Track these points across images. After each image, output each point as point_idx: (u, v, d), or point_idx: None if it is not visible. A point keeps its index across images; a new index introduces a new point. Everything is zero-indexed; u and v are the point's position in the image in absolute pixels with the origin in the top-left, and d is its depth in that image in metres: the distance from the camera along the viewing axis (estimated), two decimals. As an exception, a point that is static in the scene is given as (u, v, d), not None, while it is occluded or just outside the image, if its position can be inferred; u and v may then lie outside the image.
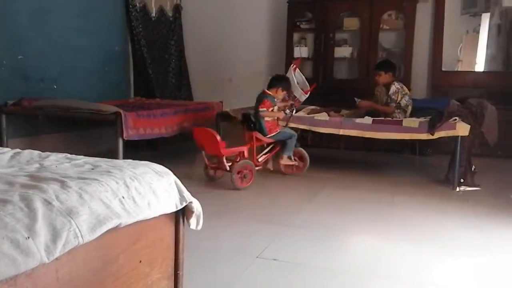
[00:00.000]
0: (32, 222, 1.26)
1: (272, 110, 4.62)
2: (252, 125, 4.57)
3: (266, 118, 4.60)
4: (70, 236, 1.31)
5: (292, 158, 4.76)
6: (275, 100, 4.63)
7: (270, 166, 4.86)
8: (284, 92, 4.75)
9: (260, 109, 4.58)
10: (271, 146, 4.79)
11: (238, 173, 4.29)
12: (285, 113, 4.73)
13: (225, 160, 4.34)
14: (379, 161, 5.55)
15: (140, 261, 1.67)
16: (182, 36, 7.14)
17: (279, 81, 4.79)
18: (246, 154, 4.51)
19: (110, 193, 1.55)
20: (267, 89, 4.73)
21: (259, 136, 4.61)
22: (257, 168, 4.55)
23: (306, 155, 4.84)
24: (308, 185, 4.49)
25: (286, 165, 4.81)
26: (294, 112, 4.83)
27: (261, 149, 4.80)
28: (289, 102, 4.86)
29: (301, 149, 4.85)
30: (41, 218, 1.29)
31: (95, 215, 1.42)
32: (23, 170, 1.74)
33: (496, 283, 2.45)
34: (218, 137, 4.32)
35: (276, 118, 4.69)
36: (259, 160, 4.68)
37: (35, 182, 1.52)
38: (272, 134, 4.65)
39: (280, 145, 4.73)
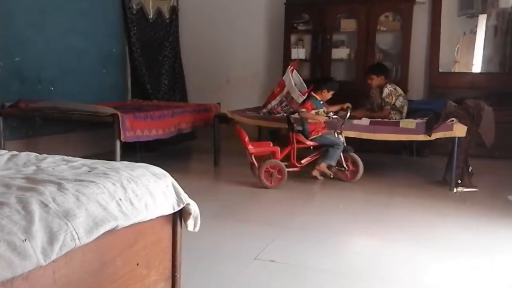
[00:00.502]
0: (29, 225, 1.26)
1: (317, 113, 4.49)
2: (291, 126, 4.49)
3: (309, 120, 4.50)
4: (67, 239, 1.31)
5: (332, 169, 4.54)
6: (321, 102, 4.52)
7: (316, 173, 4.57)
8: (331, 92, 4.65)
9: (300, 110, 4.50)
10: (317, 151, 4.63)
11: (265, 171, 4.32)
12: (328, 117, 4.50)
13: (253, 158, 4.42)
14: (377, 162, 5.55)
15: (138, 264, 1.67)
16: (178, 37, 7.14)
17: (324, 82, 4.81)
18: (278, 154, 4.43)
19: (107, 195, 1.55)
20: (314, 92, 4.74)
21: (300, 138, 4.52)
22: (292, 169, 4.46)
23: (359, 161, 4.54)
24: (306, 186, 4.49)
25: (338, 171, 4.60)
26: (347, 117, 4.54)
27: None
28: (345, 105, 4.65)
29: (354, 154, 4.57)
30: (38, 220, 1.28)
31: (92, 217, 1.42)
32: (20, 172, 1.74)
33: (491, 284, 2.45)
34: (246, 137, 4.40)
35: (320, 121, 4.49)
36: (302, 162, 4.54)
37: (32, 184, 1.52)
38: (313, 137, 4.52)
39: (323, 151, 4.54)
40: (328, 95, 4.71)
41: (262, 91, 6.75)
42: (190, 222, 1.92)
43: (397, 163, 5.62)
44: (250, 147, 4.43)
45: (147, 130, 4.66)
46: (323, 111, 4.53)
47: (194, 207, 1.91)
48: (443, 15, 6.24)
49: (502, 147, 5.42)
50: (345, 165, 4.53)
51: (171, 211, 1.83)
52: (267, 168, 4.34)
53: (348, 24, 6.45)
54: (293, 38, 6.66)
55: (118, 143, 4.33)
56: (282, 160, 4.43)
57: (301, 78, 5.25)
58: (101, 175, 1.68)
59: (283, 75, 5.36)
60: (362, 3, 6.25)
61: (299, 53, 6.54)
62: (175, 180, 1.91)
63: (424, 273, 2.55)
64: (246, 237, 3.07)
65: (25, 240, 1.21)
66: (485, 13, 6.40)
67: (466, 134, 4.23)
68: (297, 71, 5.24)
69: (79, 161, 1.95)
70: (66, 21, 5.41)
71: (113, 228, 1.49)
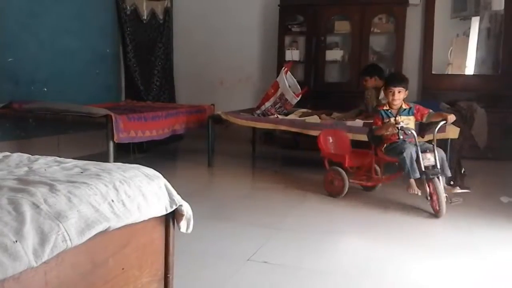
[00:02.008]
0: (20, 226, 1.25)
1: (388, 122, 3.80)
2: (375, 142, 3.99)
3: (386, 133, 3.82)
4: (59, 240, 1.31)
5: (423, 186, 3.61)
6: (389, 112, 3.83)
7: (409, 190, 3.68)
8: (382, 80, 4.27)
9: (373, 127, 3.95)
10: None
11: (327, 177, 4.15)
12: (398, 128, 3.63)
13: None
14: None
15: (123, 269, 1.65)
16: (171, 39, 7.13)
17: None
18: (346, 161, 4.05)
19: (99, 196, 1.55)
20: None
21: (380, 153, 4.00)
22: (368, 184, 4.14)
23: (440, 189, 3.52)
24: (301, 187, 4.49)
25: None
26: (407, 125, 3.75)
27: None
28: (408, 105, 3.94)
29: (436, 180, 3.54)
30: (29, 221, 1.28)
31: (84, 219, 1.42)
32: (12, 173, 1.73)
33: (481, 283, 2.46)
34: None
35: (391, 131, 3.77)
36: (383, 177, 4.12)
37: (23, 185, 1.51)
38: (382, 148, 3.93)
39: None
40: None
41: (256, 92, 6.76)
42: (183, 224, 1.92)
43: (390, 164, 5.63)
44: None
45: (140, 131, 4.65)
46: (395, 120, 3.75)
47: (187, 208, 1.91)
48: (436, 17, 6.28)
49: (495, 148, 5.45)
50: (427, 194, 3.58)
51: (164, 213, 1.83)
52: (329, 175, 4.12)
53: (342, 26, 6.47)
54: (287, 39, 6.67)
55: (111, 144, 4.32)
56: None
57: (295, 80, 5.26)
58: (93, 176, 1.68)
59: (277, 76, 5.36)
60: (356, 5, 6.27)
61: (293, 54, 6.55)
62: (169, 181, 1.91)
63: (415, 273, 2.56)
64: (239, 238, 3.07)
65: (16, 241, 1.21)
66: (478, 15, 6.45)
67: (458, 136, 4.25)
68: (291, 73, 5.25)
69: (71, 162, 1.94)
70: (60, 22, 5.39)
71: (105, 230, 1.49)
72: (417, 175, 3.57)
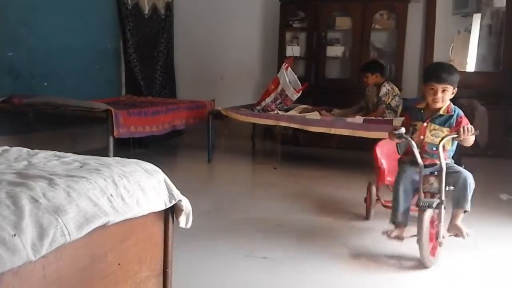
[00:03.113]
0: (19, 220, 1.25)
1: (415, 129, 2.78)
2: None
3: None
4: (57, 234, 1.31)
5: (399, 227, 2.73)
6: (421, 112, 2.77)
7: (392, 234, 2.73)
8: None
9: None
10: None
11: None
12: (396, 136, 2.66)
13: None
14: (370, 160, 5.56)
15: (119, 264, 1.65)
16: (172, 34, 7.13)
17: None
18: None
19: (98, 191, 1.55)
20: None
21: None
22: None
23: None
24: (300, 183, 4.49)
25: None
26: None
27: None
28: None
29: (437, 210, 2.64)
30: (28, 215, 1.28)
31: (83, 213, 1.42)
32: (11, 167, 1.73)
33: (480, 280, 2.47)
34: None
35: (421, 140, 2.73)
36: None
37: (22, 179, 1.51)
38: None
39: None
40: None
41: (256, 88, 6.75)
42: (182, 219, 1.92)
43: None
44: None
45: (140, 126, 4.65)
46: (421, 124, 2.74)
47: (186, 204, 1.91)
48: (438, 13, 6.26)
49: (495, 146, 5.44)
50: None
51: (163, 208, 1.82)
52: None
53: (343, 22, 6.45)
54: (288, 35, 6.65)
55: (111, 139, 4.32)
56: None
57: (295, 76, 5.26)
58: (93, 171, 1.68)
59: (277, 72, 5.36)
60: (357, 1, 6.25)
61: (294, 50, 6.54)
62: (168, 176, 1.91)
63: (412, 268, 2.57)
64: (238, 233, 3.07)
65: (15, 235, 1.21)
66: (480, 12, 6.42)
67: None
68: (291, 69, 5.25)
69: (70, 156, 1.94)
70: (60, 16, 5.38)
71: (104, 224, 1.49)
72: (398, 220, 2.71)
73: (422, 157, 2.61)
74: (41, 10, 5.15)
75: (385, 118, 4.78)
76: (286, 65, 5.20)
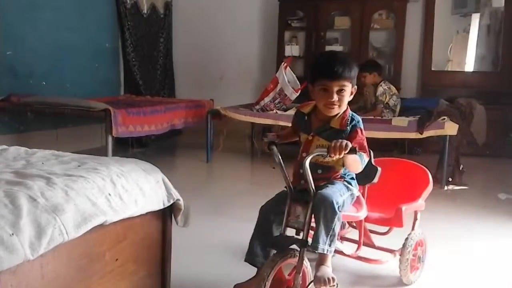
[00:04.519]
0: (17, 219, 1.25)
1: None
2: None
3: None
4: (55, 233, 1.31)
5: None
6: (304, 119, 2.10)
7: None
8: None
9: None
10: None
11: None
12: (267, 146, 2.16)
13: None
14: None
15: (117, 260, 1.65)
16: (171, 33, 7.12)
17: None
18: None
19: (96, 190, 1.55)
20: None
21: None
22: None
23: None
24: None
25: None
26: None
27: None
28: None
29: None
30: (26, 214, 1.28)
31: (81, 212, 1.42)
32: (9, 166, 1.73)
33: (479, 279, 2.47)
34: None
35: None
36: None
37: (20, 178, 1.51)
38: None
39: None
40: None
41: (255, 88, 6.75)
42: (180, 218, 1.92)
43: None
44: None
45: (139, 125, 4.65)
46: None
47: (184, 203, 1.91)
48: (437, 13, 6.26)
49: (493, 145, 5.45)
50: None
51: (161, 207, 1.83)
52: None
53: (342, 22, 6.45)
54: (287, 35, 6.66)
55: (110, 139, 4.32)
56: None
57: (294, 75, 5.25)
58: (91, 170, 1.68)
59: (276, 72, 5.35)
60: (356, 1, 6.25)
61: (292, 50, 6.54)
62: (167, 176, 1.91)
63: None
64: (236, 233, 3.06)
65: (13, 234, 1.21)
66: (479, 12, 6.43)
67: (457, 133, 4.25)
68: (290, 68, 5.24)
69: (68, 156, 1.94)
70: (59, 15, 5.37)
71: (102, 223, 1.49)
72: (254, 259, 1.98)
73: (304, 180, 1.92)
74: (40, 9, 5.14)
75: (384, 117, 4.78)
76: (285, 64, 5.20)
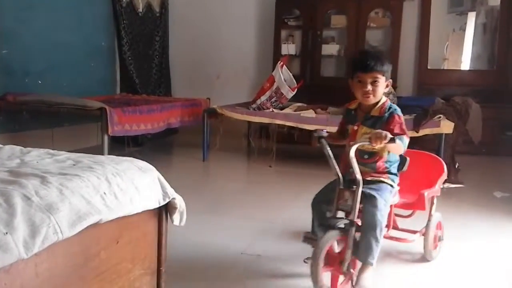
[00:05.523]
0: (11, 218, 1.25)
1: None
2: None
3: None
4: (50, 232, 1.30)
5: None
6: (352, 113, 2.40)
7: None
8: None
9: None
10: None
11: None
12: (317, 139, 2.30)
13: None
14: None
15: (112, 258, 1.65)
16: (167, 32, 7.11)
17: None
18: None
19: (91, 188, 1.54)
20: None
21: None
22: None
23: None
24: (295, 182, 4.50)
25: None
26: None
27: None
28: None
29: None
30: (20, 213, 1.27)
31: (75, 211, 1.42)
32: (4, 165, 1.72)
33: (476, 276, 2.48)
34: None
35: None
36: None
37: (14, 177, 1.51)
38: None
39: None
40: None
41: (252, 86, 6.74)
42: (176, 217, 1.92)
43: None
44: None
45: (135, 124, 4.64)
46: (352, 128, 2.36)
47: (180, 202, 1.91)
48: (433, 12, 6.27)
49: (489, 143, 5.47)
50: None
51: (157, 205, 1.82)
52: None
53: (338, 20, 6.46)
54: (283, 33, 6.65)
55: (106, 137, 4.31)
56: None
57: (290, 74, 5.25)
58: (86, 169, 1.67)
59: (273, 70, 5.35)
60: (352, -1, 6.26)
61: (289, 48, 6.54)
62: (163, 175, 1.91)
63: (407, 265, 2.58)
64: (233, 232, 3.07)
65: (6, 233, 1.20)
66: (474, 10, 6.45)
67: (453, 131, 4.27)
68: (287, 67, 5.24)
69: (64, 154, 1.93)
70: (55, 14, 5.35)
71: (97, 222, 1.49)
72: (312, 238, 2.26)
73: (351, 168, 2.12)
74: (36, 8, 5.12)
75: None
76: (281, 63, 5.19)
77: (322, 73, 6.55)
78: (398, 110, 2.26)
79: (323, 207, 2.29)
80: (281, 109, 5.22)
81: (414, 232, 2.66)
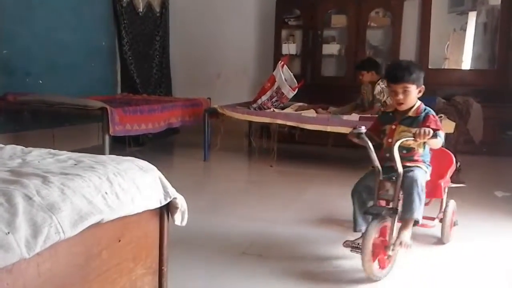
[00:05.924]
0: (12, 217, 1.24)
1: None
2: None
3: None
4: (51, 232, 1.30)
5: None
6: (389, 115, 2.68)
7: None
8: None
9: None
10: None
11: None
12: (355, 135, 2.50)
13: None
14: (367, 157, 5.57)
15: (114, 258, 1.65)
16: (168, 32, 7.12)
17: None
18: None
19: (92, 188, 1.54)
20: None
21: None
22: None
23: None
24: (296, 181, 4.50)
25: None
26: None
27: None
28: None
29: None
30: (22, 213, 1.27)
31: (77, 211, 1.41)
32: (5, 165, 1.72)
33: (476, 275, 2.48)
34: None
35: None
36: None
37: (16, 177, 1.50)
38: None
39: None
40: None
41: (252, 86, 6.75)
42: (177, 216, 1.91)
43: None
44: None
45: (136, 124, 4.65)
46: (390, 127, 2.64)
47: (181, 201, 1.91)
48: (433, 11, 6.27)
49: (490, 143, 5.47)
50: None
51: (158, 205, 1.82)
52: None
53: (339, 20, 6.46)
54: (284, 33, 6.66)
55: (107, 137, 4.31)
56: None
57: (291, 74, 5.26)
58: (87, 169, 1.67)
59: (273, 70, 5.36)
60: (353, -1, 6.26)
61: (289, 48, 6.55)
62: (164, 174, 1.91)
63: (413, 264, 2.58)
64: (234, 231, 3.07)
65: (8, 233, 1.20)
66: (475, 10, 6.44)
67: (454, 130, 4.26)
68: (287, 67, 5.24)
69: (65, 154, 1.93)
70: (55, 14, 5.36)
71: (99, 222, 1.49)
72: (360, 228, 2.56)
73: (389, 161, 2.42)
74: (36, 8, 5.12)
75: (381, 115, 4.79)
76: (282, 63, 5.19)
77: (322, 73, 6.55)
78: (432, 111, 2.56)
79: (363, 196, 2.58)
80: (282, 108, 5.22)
81: (432, 218, 2.87)
